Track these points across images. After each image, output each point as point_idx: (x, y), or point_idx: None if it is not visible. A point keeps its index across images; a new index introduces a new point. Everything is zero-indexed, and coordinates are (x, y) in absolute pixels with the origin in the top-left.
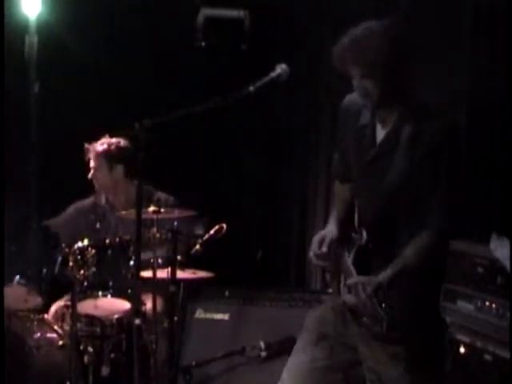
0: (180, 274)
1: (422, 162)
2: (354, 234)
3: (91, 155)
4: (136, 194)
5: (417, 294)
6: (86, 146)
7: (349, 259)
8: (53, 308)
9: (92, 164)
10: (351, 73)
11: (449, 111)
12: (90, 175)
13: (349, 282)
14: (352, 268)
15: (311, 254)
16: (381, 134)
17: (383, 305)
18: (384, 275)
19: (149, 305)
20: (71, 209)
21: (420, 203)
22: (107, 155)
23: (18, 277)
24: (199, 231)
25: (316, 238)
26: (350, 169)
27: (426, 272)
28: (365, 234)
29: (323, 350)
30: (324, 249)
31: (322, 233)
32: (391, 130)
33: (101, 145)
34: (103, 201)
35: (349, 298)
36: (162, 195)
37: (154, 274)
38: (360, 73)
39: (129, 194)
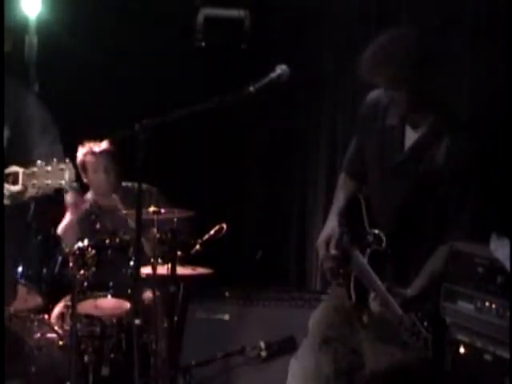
0: (180, 271)
1: (453, 173)
2: (367, 235)
3: (88, 157)
4: (136, 194)
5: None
6: (80, 149)
7: (364, 260)
8: (56, 310)
9: (91, 165)
10: (378, 83)
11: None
12: (89, 179)
13: (378, 292)
14: (371, 271)
15: (321, 257)
16: (411, 137)
17: (425, 322)
18: (414, 288)
19: (148, 300)
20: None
21: (446, 213)
22: (110, 153)
23: (17, 277)
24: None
25: (322, 240)
26: (366, 167)
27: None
28: (384, 237)
29: (327, 353)
30: (333, 251)
31: (325, 233)
32: (424, 135)
33: (98, 146)
34: (93, 205)
35: (377, 309)
36: (144, 186)
37: (154, 273)
38: (386, 84)
39: (118, 194)
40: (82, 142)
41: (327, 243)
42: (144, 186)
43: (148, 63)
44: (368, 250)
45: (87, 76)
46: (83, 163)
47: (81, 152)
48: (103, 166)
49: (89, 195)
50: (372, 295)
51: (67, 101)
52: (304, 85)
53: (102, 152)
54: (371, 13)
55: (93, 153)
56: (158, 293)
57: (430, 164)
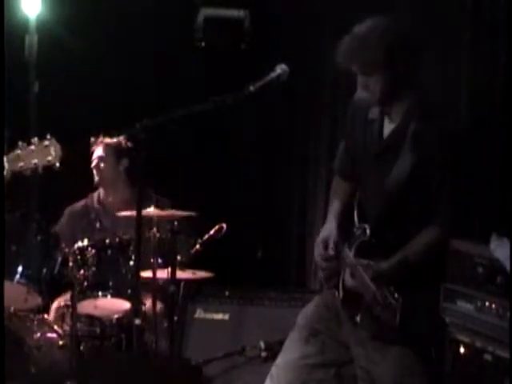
0: (180, 274)
1: (427, 160)
2: (355, 229)
3: (98, 146)
4: (137, 194)
5: (418, 294)
6: (93, 138)
7: (350, 253)
8: (54, 306)
9: (98, 154)
10: (353, 69)
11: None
12: (92, 165)
13: (349, 262)
14: (351, 256)
15: (317, 257)
16: (388, 128)
17: (396, 295)
18: (385, 264)
19: (148, 304)
20: (65, 215)
21: (426, 200)
22: (116, 147)
23: (17, 276)
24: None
25: (319, 241)
26: (355, 166)
27: (427, 270)
28: (368, 229)
29: (314, 346)
30: (331, 251)
31: (323, 234)
32: (398, 125)
33: (110, 138)
34: (95, 203)
35: (350, 282)
36: (160, 198)
37: (154, 274)
38: (361, 70)
39: (125, 194)
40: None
41: (325, 244)
42: (160, 198)
43: (148, 63)
44: (354, 244)
45: (87, 76)
46: (91, 154)
47: (93, 141)
48: (98, 158)
49: (96, 193)
50: (347, 272)
51: (67, 100)
52: (304, 85)
53: (107, 145)
54: (371, 13)
55: (95, 144)
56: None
57: (405, 154)
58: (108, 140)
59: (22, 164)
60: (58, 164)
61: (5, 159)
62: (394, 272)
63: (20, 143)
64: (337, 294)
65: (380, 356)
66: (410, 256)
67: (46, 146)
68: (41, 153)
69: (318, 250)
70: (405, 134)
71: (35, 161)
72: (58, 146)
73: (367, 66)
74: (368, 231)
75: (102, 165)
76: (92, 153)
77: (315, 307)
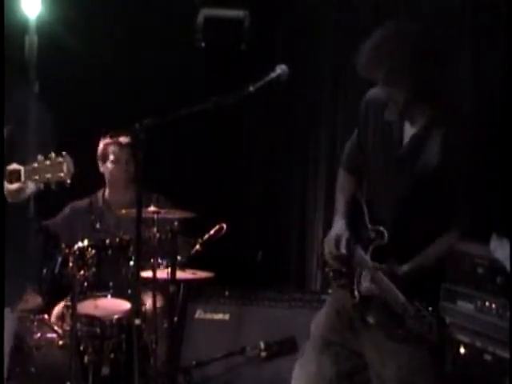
0: (180, 274)
1: (453, 164)
2: (369, 231)
3: (112, 148)
4: (136, 194)
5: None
6: (107, 139)
7: (367, 257)
8: (55, 310)
9: (112, 157)
10: (375, 78)
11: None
12: (106, 168)
13: (367, 266)
14: (375, 266)
15: (327, 255)
16: (409, 132)
17: (429, 308)
18: (405, 268)
19: (149, 304)
20: (67, 209)
21: (446, 206)
22: (128, 148)
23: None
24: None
25: (331, 239)
26: (366, 163)
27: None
28: (386, 232)
29: (329, 357)
30: (343, 250)
31: (334, 232)
32: (421, 130)
33: (124, 137)
34: (100, 202)
35: (368, 287)
36: (160, 197)
37: (154, 274)
38: (383, 79)
39: (133, 193)
40: (106, 133)
41: (337, 242)
42: (155, 195)
43: (148, 63)
44: (370, 247)
45: (87, 76)
46: (105, 153)
47: (104, 142)
48: (125, 157)
49: (100, 192)
50: (363, 273)
51: (67, 101)
52: (304, 85)
53: (128, 144)
54: (371, 12)
55: (118, 143)
56: (158, 294)
57: (428, 159)
58: (120, 140)
59: (36, 177)
60: (68, 181)
61: (22, 171)
62: (414, 277)
63: (39, 157)
64: (350, 296)
65: (390, 358)
66: (431, 261)
67: (60, 162)
68: (54, 168)
69: (328, 248)
70: (428, 137)
71: (48, 175)
72: (71, 163)
73: (391, 76)
74: (386, 235)
75: (117, 167)
76: (105, 154)
77: (326, 315)
